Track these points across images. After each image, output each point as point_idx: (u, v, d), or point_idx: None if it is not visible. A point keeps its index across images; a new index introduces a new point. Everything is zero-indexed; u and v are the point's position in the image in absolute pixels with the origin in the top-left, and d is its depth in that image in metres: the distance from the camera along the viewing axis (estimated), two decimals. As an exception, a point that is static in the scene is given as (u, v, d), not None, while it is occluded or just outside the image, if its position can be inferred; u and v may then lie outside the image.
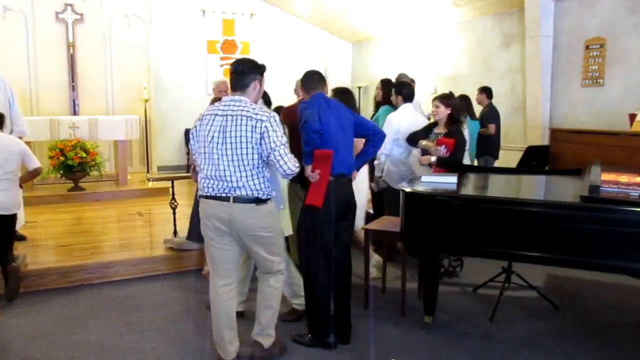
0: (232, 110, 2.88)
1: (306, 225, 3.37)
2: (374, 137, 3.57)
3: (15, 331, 3.59)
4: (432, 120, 5.74)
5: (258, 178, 2.92)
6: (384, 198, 5.12)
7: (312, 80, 3.49)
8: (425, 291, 3.77)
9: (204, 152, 2.92)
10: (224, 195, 2.90)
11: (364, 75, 10.88)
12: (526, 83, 7.19)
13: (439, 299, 3.77)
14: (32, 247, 5.01)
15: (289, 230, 3.76)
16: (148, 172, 8.79)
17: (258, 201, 2.93)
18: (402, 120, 4.83)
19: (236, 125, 2.84)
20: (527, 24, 6.98)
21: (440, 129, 4.50)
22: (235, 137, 2.84)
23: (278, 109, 5.26)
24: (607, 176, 3.34)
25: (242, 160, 2.86)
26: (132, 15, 9.10)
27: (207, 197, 2.95)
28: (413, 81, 6.93)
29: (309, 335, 3.47)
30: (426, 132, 4.56)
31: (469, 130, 6.36)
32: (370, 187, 5.27)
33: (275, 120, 2.90)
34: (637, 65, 5.88)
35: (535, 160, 6.12)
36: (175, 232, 5.04)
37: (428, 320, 3.71)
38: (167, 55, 9.60)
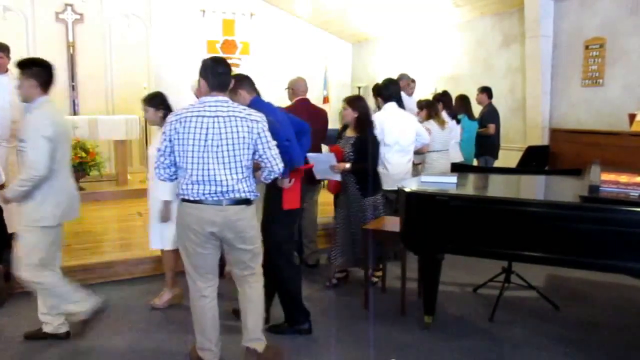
0: (222, 112, 2.82)
1: (283, 227, 3.56)
2: (306, 129, 3.85)
3: (15, 332, 3.59)
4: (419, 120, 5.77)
5: (250, 179, 2.94)
6: None
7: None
8: (425, 291, 3.77)
9: (192, 156, 2.80)
10: (215, 199, 2.84)
11: (364, 76, 10.88)
12: (526, 83, 7.18)
13: (439, 299, 3.77)
14: (32, 247, 5.00)
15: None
16: (148, 172, 8.79)
17: (248, 202, 2.95)
18: (387, 120, 4.86)
19: (231, 127, 2.80)
20: (527, 24, 6.98)
21: (350, 132, 4.40)
22: (233, 139, 2.81)
23: None
24: (606, 176, 3.35)
25: (239, 162, 2.85)
26: (132, 15, 9.10)
27: (195, 201, 2.84)
28: (413, 81, 6.97)
29: (285, 324, 3.64)
30: (338, 136, 4.54)
31: (465, 130, 6.39)
32: None
33: (265, 121, 2.95)
34: (637, 65, 5.88)
35: (535, 160, 6.12)
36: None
37: (428, 320, 3.71)
38: (167, 55, 9.59)
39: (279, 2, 10.38)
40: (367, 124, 4.31)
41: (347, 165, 4.27)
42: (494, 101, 6.93)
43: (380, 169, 4.91)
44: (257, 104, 3.42)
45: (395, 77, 6.17)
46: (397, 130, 4.87)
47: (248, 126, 2.84)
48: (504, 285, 4.14)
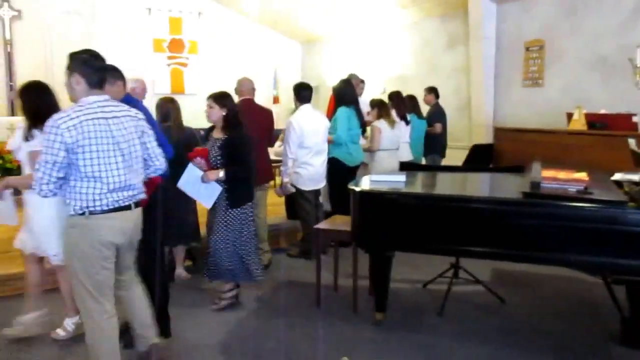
0: (116, 112, 2.64)
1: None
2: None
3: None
4: (367, 118, 5.88)
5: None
6: (295, 202, 5.22)
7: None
8: (377, 288, 3.82)
9: (106, 162, 2.55)
10: (127, 204, 2.68)
11: (314, 76, 10.91)
12: (471, 83, 7.39)
13: (390, 296, 3.83)
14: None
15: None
16: None
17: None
18: (304, 122, 4.95)
19: (129, 127, 2.67)
20: (471, 26, 7.18)
21: (217, 134, 3.92)
22: (133, 139, 2.70)
23: None
24: (547, 173, 3.47)
25: (141, 162, 2.77)
26: (73, 12, 8.80)
27: (109, 210, 2.60)
28: (362, 81, 7.04)
29: None
30: (205, 138, 4.10)
31: (415, 129, 6.51)
32: (277, 193, 5.38)
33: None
34: (573, 66, 6.16)
35: (480, 158, 6.30)
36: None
37: (379, 317, 3.76)
38: (112, 54, 9.27)
39: (227, 2, 10.27)
40: (236, 123, 3.89)
41: (221, 173, 3.75)
42: (441, 101, 7.09)
43: (300, 171, 4.98)
44: (132, 103, 3.21)
45: (345, 77, 6.24)
46: (314, 133, 4.97)
47: (139, 125, 2.76)
48: (452, 281, 4.25)
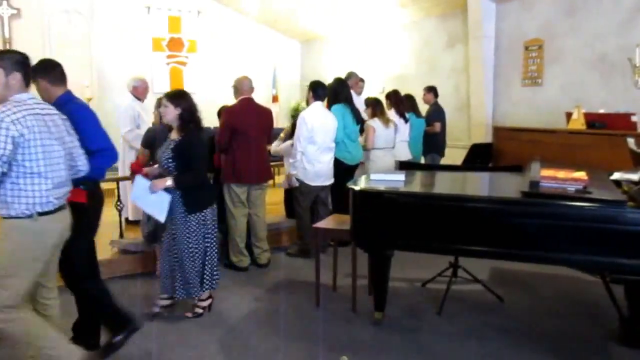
0: (47, 110, 2.68)
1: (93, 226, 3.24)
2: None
3: None
4: (366, 118, 5.89)
5: None
6: (295, 195, 5.22)
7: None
8: (376, 288, 3.82)
9: (49, 157, 2.57)
10: (64, 203, 2.71)
11: (314, 75, 10.86)
12: (470, 82, 7.39)
13: (389, 295, 3.82)
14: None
15: None
16: None
17: None
18: (315, 118, 4.98)
19: (58, 125, 2.70)
20: (470, 25, 7.18)
21: (174, 135, 3.73)
22: (64, 137, 2.72)
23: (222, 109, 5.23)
24: (546, 172, 3.47)
25: (68, 160, 2.77)
26: (72, 10, 8.79)
27: (52, 211, 2.60)
28: (362, 80, 7.04)
29: (118, 337, 3.13)
30: (164, 139, 3.87)
31: (413, 128, 6.52)
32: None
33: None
34: (572, 66, 6.15)
35: (479, 157, 6.30)
36: (121, 234, 4.92)
37: (378, 317, 3.76)
38: (111, 53, 9.31)
39: (227, 0, 10.26)
40: (192, 124, 3.70)
41: (169, 181, 3.57)
42: (440, 100, 7.09)
43: (307, 166, 5.00)
44: (71, 101, 3.09)
45: (343, 76, 6.24)
46: (323, 130, 4.99)
47: (66, 125, 2.79)
48: (451, 280, 4.26)
